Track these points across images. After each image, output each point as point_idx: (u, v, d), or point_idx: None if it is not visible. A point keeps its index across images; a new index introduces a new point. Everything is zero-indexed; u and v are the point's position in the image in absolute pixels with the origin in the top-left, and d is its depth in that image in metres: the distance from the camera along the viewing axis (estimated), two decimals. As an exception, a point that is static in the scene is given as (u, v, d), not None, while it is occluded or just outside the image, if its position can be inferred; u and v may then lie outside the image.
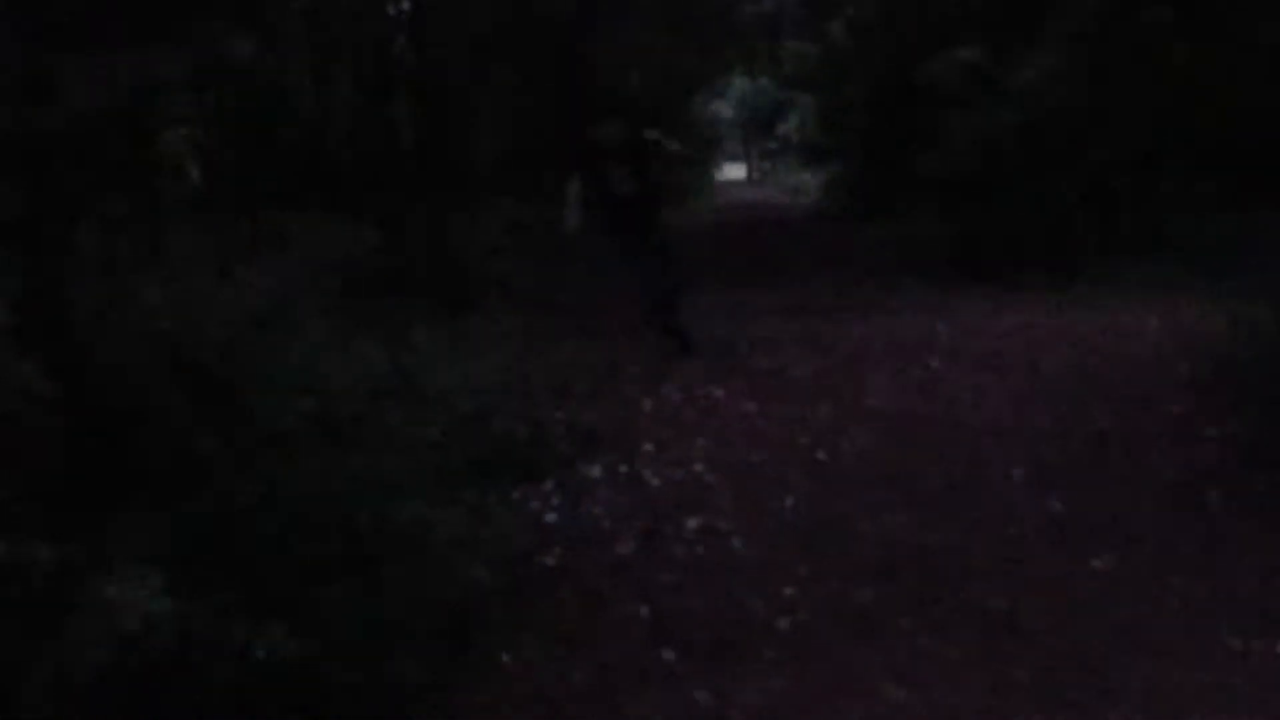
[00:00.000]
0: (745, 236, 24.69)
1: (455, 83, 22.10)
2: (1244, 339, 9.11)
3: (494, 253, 15.83)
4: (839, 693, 4.58)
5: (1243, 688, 4.52)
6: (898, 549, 6.03)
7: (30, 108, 5.31)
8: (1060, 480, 6.91)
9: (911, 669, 4.75)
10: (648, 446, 7.93)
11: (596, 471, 7.47)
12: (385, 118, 17.10)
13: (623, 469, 7.50)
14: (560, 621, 5.42)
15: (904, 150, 17.58)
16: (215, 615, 3.85)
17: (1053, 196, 14.59)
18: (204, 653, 3.81)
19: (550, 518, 6.75)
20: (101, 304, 6.31)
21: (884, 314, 12.64)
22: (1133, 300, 12.57)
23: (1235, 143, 15.32)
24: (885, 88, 19.79)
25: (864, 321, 12.15)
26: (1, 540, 3.68)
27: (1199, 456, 7.30)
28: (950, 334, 11.26)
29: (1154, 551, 5.86)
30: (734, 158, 58.59)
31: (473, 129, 23.94)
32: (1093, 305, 12.65)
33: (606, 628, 5.31)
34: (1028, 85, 14.38)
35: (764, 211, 32.45)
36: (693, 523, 6.51)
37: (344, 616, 4.76)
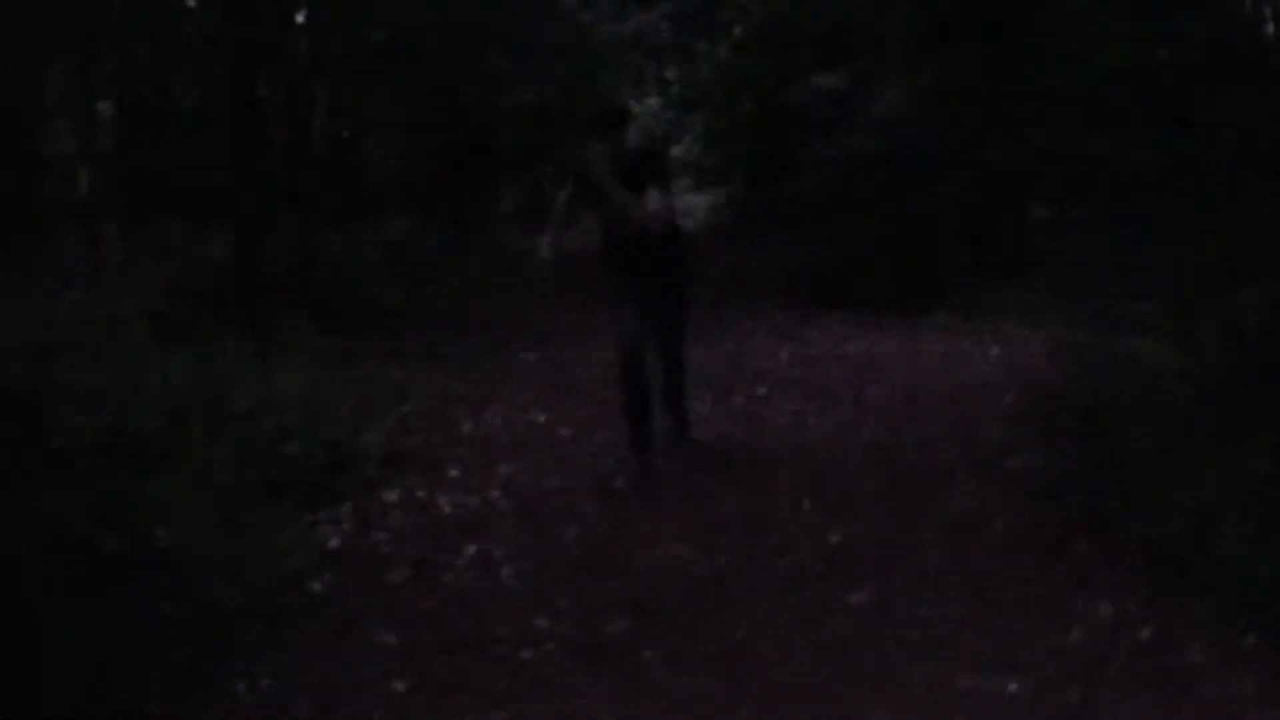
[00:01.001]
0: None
1: (346, 92, 22.03)
2: (1068, 369, 9.19)
3: (357, 269, 15.74)
4: (551, 728, 4.54)
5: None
6: (666, 580, 6.00)
7: None
8: (848, 512, 6.90)
9: (635, 705, 4.69)
10: (453, 472, 7.87)
11: (394, 496, 7.40)
12: (261, 128, 16.85)
13: (420, 494, 7.43)
14: (309, 649, 5.33)
15: (782, 174, 17.66)
16: None
17: (912, 222, 14.67)
18: None
19: (334, 543, 6.66)
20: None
21: (732, 339, 12.64)
22: (985, 327, 12.64)
23: (1106, 165, 15.37)
24: (765, 111, 19.86)
25: (710, 347, 12.09)
26: None
27: (995, 489, 7.31)
28: (790, 361, 11.31)
29: (916, 586, 5.84)
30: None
31: (362, 141, 23.88)
32: (944, 332, 12.73)
33: (351, 657, 5.23)
34: (886, 111, 14.46)
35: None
36: (470, 550, 6.46)
37: (62, 640, 4.68)
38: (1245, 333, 7.00)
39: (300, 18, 17.19)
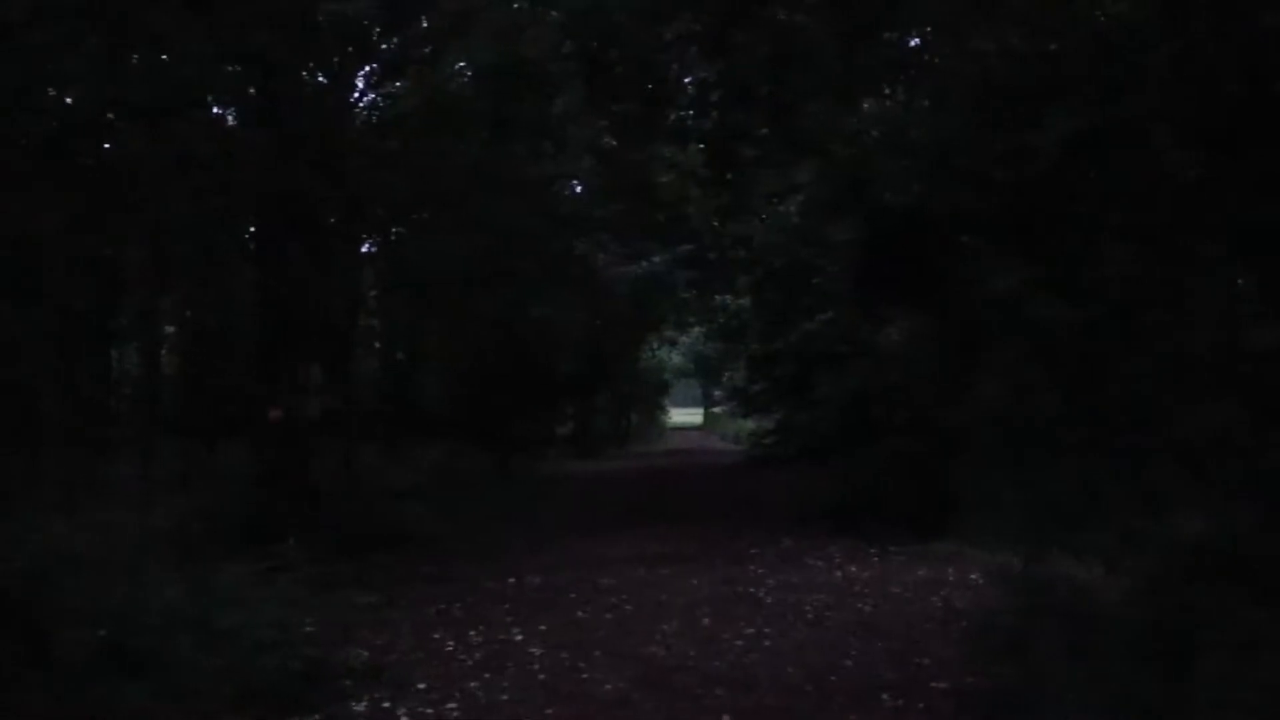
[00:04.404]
0: (663, 480, 25.61)
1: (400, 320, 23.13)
2: (999, 595, 9.71)
3: (393, 493, 16.56)
4: None
5: None
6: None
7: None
8: (764, 726, 7.50)
9: None
10: (421, 685, 8.52)
11: (362, 707, 8.06)
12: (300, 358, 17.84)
13: (385, 705, 8.08)
14: None
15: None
16: None
17: (919, 453, 15.28)
18: None
19: (297, 751, 7.33)
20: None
21: (731, 563, 13.31)
22: (977, 555, 13.14)
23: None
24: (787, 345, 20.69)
25: (707, 571, 12.82)
26: None
27: (914, 708, 7.86)
28: (776, 586, 11.91)
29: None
30: (693, 404, 59.98)
31: (416, 368, 24.92)
32: (937, 559, 13.28)
33: None
34: (894, 347, 15.22)
35: (698, 456, 33.49)
36: (411, 760, 7.10)
37: None
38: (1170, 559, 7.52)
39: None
